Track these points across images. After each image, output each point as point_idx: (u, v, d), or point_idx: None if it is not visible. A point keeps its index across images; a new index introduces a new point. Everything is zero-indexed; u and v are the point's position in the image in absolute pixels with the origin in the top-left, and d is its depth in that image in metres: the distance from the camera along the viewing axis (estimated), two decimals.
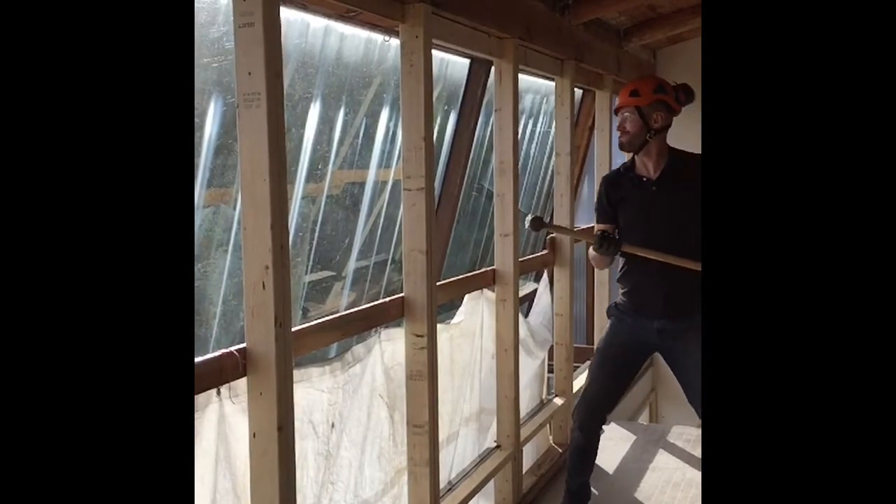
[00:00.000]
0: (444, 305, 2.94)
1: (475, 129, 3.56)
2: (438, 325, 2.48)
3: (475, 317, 3.01)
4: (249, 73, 1.63)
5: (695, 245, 2.63)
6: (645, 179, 2.90)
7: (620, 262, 2.99)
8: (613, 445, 3.94)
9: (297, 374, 1.88)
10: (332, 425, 2.14)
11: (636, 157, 2.94)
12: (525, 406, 3.44)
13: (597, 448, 3.09)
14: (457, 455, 2.90)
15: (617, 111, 2.95)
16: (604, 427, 3.13)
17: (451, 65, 3.43)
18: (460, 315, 2.97)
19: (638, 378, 4.89)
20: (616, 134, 3.07)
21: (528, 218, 2.81)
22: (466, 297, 2.98)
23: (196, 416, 1.69)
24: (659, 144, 2.88)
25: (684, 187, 2.77)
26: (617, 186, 2.97)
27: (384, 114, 3.12)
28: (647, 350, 3.04)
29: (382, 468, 2.38)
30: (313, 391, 2.07)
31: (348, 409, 2.22)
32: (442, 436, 2.56)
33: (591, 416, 2.99)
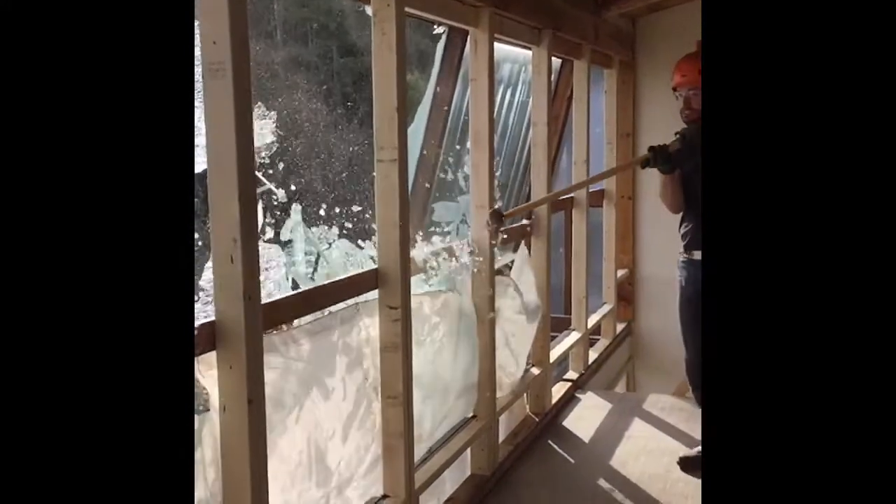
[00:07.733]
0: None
1: (452, 98, 3.53)
2: (418, 295, 2.47)
3: (454, 287, 3.01)
4: (214, 42, 1.61)
5: None
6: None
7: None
8: (589, 414, 3.98)
9: (269, 344, 1.87)
10: (308, 395, 2.14)
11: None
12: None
13: None
14: (433, 426, 2.91)
15: (677, 87, 3.05)
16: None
17: None
18: (440, 285, 2.97)
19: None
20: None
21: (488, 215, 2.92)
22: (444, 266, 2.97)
23: None
24: None
25: None
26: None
27: None
28: None
29: (364, 440, 2.38)
30: (288, 362, 2.06)
31: (327, 380, 2.21)
32: (418, 407, 2.57)
33: (700, 374, 3.19)
